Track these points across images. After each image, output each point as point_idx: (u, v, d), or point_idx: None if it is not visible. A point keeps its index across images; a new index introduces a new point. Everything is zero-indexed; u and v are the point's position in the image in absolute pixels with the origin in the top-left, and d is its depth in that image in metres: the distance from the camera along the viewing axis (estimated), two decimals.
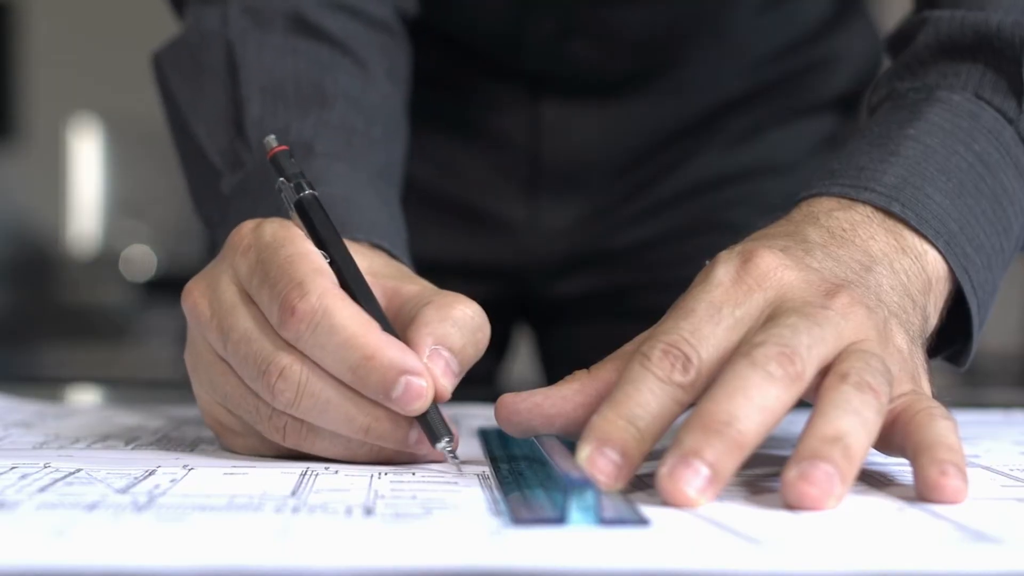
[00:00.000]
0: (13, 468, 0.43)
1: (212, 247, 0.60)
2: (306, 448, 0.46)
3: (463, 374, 0.46)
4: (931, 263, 0.50)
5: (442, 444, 0.44)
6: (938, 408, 0.42)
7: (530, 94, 0.79)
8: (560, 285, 0.84)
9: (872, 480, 0.44)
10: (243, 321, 0.46)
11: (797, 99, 0.84)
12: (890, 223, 0.49)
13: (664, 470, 0.38)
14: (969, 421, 0.61)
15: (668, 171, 0.82)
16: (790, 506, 0.38)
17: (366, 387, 0.44)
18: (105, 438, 0.52)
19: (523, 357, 1.03)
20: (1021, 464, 0.48)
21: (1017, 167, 0.53)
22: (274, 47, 0.62)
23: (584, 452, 0.40)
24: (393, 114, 0.64)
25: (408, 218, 0.82)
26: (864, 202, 0.50)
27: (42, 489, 0.39)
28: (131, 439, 0.51)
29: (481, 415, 0.62)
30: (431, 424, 0.44)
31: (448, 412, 0.62)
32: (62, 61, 3.47)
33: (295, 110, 0.60)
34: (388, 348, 0.44)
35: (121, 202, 3.59)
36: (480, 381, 0.88)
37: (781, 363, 0.40)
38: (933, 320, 0.50)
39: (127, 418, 0.59)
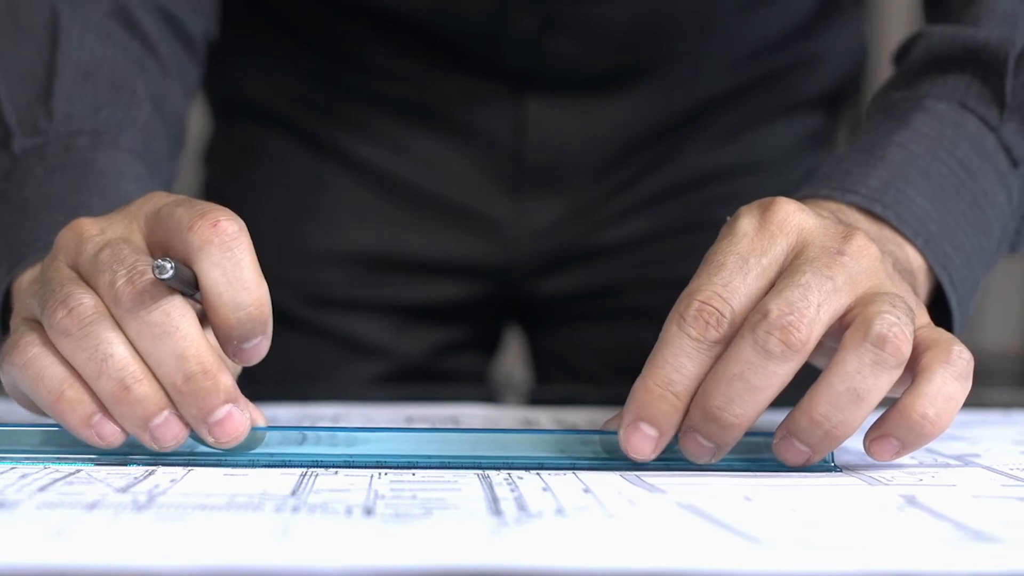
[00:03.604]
0: (13, 468, 0.43)
1: None
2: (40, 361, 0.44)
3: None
4: (912, 259, 0.53)
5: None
6: (951, 357, 0.44)
7: (513, 91, 0.79)
8: (547, 283, 0.84)
9: (872, 480, 0.44)
10: (132, 243, 0.45)
11: (782, 97, 0.84)
12: (874, 224, 0.53)
13: (680, 435, 0.44)
14: (969, 421, 0.61)
15: (653, 169, 0.82)
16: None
17: (235, 325, 0.43)
18: None
19: (514, 356, 1.03)
20: (1021, 464, 0.48)
21: (997, 172, 0.56)
22: (95, 27, 0.62)
23: (621, 428, 0.44)
24: (180, 132, 0.66)
25: (394, 216, 0.83)
26: (848, 204, 0.53)
27: (42, 489, 0.39)
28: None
29: (478, 415, 0.62)
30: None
31: (445, 412, 0.63)
32: None
33: (106, 96, 0.60)
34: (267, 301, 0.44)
35: None
36: (473, 380, 0.89)
37: (783, 337, 0.42)
38: (920, 298, 0.53)
39: None
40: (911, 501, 0.40)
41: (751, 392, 0.42)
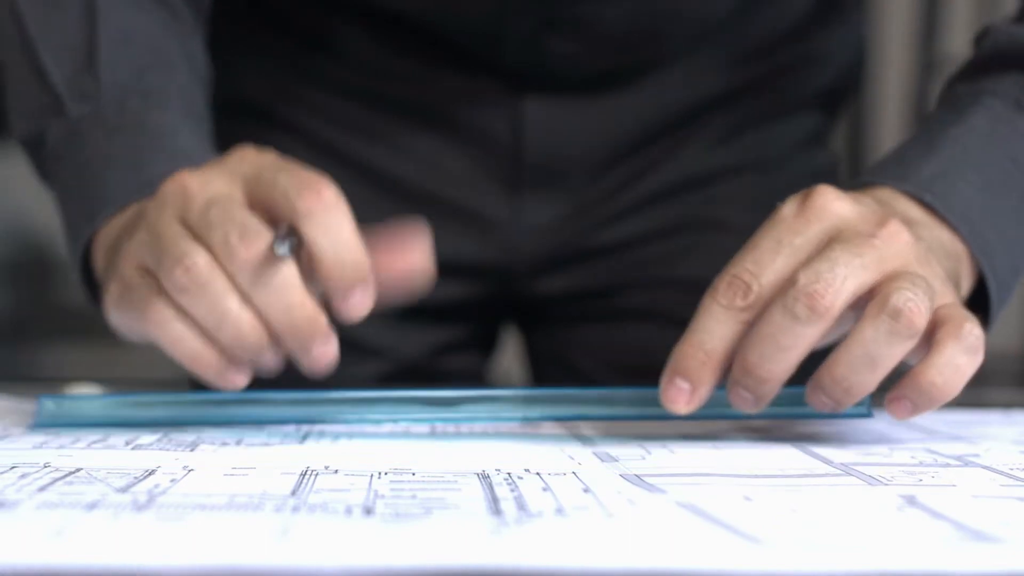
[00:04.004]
0: (13, 468, 0.43)
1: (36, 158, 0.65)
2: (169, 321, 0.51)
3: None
4: (956, 246, 0.57)
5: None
6: (962, 333, 0.49)
7: (512, 91, 0.79)
8: (545, 283, 0.84)
9: (872, 480, 0.44)
10: (237, 199, 0.50)
11: (782, 96, 0.84)
12: (922, 212, 0.57)
13: (727, 389, 0.50)
14: (969, 421, 0.61)
15: (652, 168, 0.82)
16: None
17: (340, 280, 0.50)
18: (105, 438, 0.52)
19: (511, 356, 1.03)
20: (1021, 464, 0.48)
21: None
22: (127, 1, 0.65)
23: (661, 385, 0.50)
24: (208, 85, 0.69)
25: (390, 215, 0.82)
26: (900, 191, 0.57)
27: (42, 488, 0.39)
28: (131, 439, 0.51)
29: None
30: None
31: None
32: None
33: (147, 60, 0.63)
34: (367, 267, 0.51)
35: None
36: (471, 380, 0.88)
37: (808, 303, 0.48)
38: (964, 283, 0.58)
39: None
40: (911, 501, 0.40)
41: (781, 351, 0.48)
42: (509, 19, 0.76)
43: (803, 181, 0.85)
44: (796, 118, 0.85)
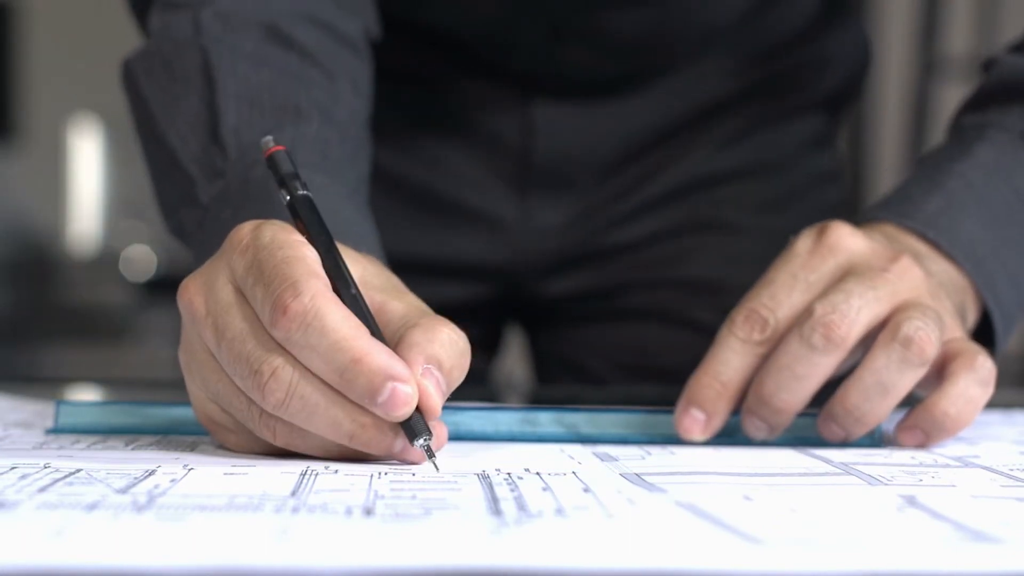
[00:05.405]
0: (13, 468, 0.43)
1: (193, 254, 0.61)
2: (297, 447, 0.46)
3: (448, 395, 0.47)
4: (961, 281, 0.58)
5: (420, 442, 0.45)
6: (975, 365, 0.51)
7: (521, 94, 0.79)
8: (551, 284, 0.84)
9: (872, 480, 0.44)
10: (237, 321, 0.45)
11: (787, 99, 0.84)
12: (927, 248, 0.58)
13: (741, 418, 0.51)
14: None
15: (659, 170, 0.82)
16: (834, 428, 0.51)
17: (352, 390, 0.44)
18: (105, 438, 0.52)
19: (515, 356, 1.03)
20: (1021, 464, 0.48)
21: None
22: (247, 55, 0.62)
23: (676, 413, 0.51)
24: (360, 130, 0.65)
25: (400, 217, 0.83)
26: (904, 228, 0.58)
27: (42, 489, 0.39)
28: (131, 439, 0.51)
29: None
30: (411, 424, 0.45)
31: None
32: (62, 61, 3.47)
33: (271, 120, 0.60)
34: (376, 353, 0.44)
35: (121, 202, 3.59)
36: (473, 381, 0.88)
37: (824, 333, 0.49)
38: (970, 315, 0.58)
39: None
40: (911, 501, 0.40)
41: (797, 381, 0.49)
42: (520, 27, 0.76)
43: (808, 183, 0.85)
44: (802, 121, 0.85)
